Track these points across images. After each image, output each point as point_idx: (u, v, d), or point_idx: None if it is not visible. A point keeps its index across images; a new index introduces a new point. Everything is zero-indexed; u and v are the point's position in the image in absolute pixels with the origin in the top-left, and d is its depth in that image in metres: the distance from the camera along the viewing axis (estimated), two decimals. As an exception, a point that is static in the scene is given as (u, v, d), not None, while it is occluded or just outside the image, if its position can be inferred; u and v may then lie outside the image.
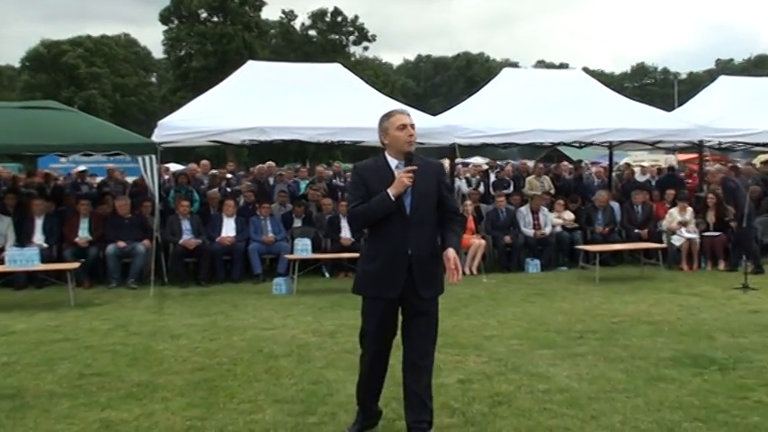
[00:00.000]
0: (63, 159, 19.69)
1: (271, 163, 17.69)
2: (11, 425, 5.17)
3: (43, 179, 17.41)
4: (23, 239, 11.86)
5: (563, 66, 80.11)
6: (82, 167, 18.31)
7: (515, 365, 6.54)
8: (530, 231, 13.47)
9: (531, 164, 20.25)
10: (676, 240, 13.15)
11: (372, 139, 13.33)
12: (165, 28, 57.39)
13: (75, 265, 10.73)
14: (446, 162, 12.39)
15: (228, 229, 12.51)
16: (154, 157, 11.44)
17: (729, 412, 5.20)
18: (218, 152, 29.27)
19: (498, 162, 23.80)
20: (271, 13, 71.24)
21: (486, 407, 5.39)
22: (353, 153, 39.37)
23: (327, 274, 12.68)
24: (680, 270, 12.91)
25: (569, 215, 14.16)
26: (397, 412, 4.86)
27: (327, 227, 12.92)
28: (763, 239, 13.72)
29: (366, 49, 71.95)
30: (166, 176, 17.02)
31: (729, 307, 9.43)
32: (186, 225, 12.26)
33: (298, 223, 13.21)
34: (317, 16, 68.40)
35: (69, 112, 13.40)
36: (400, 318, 4.64)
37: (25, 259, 10.41)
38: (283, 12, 67.29)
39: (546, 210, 13.88)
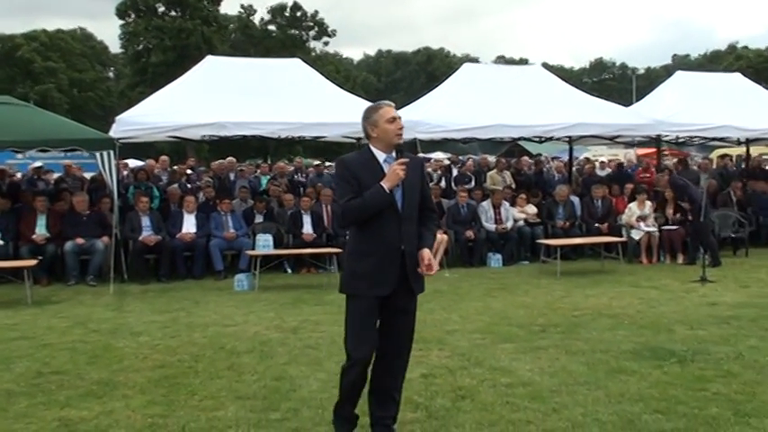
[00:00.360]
0: (19, 155, 19.26)
1: (231, 158, 17.58)
2: (-34, 426, 5.06)
3: (-2, 176, 17.04)
4: (-22, 237, 11.62)
5: (523, 61, 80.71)
6: (38, 163, 17.95)
7: (478, 360, 6.57)
8: (491, 226, 13.54)
9: (492, 159, 20.31)
10: (636, 234, 13.32)
11: (334, 134, 13.41)
12: (121, 22, 56.60)
13: (33, 262, 10.59)
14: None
15: (189, 225, 12.41)
16: (112, 152, 11.32)
17: (688, 404, 5.27)
18: (179, 148, 28.91)
19: (460, 157, 23.88)
20: (229, 7, 70.87)
21: (449, 401, 5.41)
22: (314, 148, 39.34)
23: (290, 270, 12.65)
24: (639, 263, 13.09)
25: (532, 209, 14.27)
26: (360, 408, 4.83)
27: (289, 222, 12.87)
28: (720, 233, 13.93)
29: (326, 44, 71.93)
30: (125, 172, 16.80)
31: (688, 300, 9.57)
32: (146, 221, 12.15)
33: (259, 219, 13.13)
34: (277, 11, 68.05)
35: (25, 108, 13.23)
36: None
37: (-20, 257, 10.23)
38: (242, 6, 66.91)
39: (507, 204, 13.96)
